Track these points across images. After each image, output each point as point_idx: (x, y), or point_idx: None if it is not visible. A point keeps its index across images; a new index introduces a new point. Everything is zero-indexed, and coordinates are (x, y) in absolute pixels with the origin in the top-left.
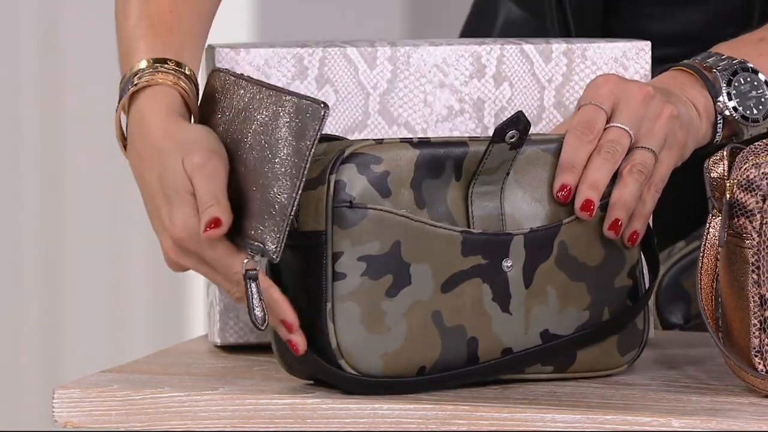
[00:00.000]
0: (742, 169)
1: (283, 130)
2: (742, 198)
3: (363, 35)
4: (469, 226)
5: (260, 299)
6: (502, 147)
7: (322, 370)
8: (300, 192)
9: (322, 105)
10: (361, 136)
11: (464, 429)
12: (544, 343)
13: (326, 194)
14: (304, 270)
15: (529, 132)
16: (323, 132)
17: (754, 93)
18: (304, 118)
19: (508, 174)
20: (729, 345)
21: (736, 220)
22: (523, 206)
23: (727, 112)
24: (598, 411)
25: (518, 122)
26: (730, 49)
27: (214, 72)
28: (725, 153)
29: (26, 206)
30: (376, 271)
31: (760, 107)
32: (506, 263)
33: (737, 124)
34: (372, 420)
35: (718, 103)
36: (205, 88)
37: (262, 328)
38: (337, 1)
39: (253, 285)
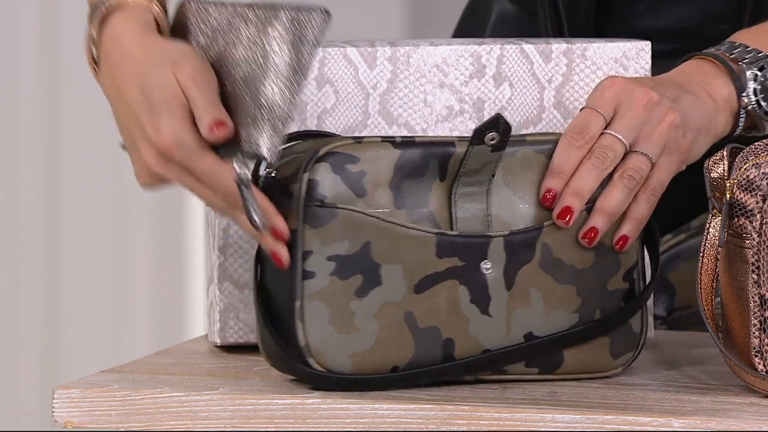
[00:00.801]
0: (742, 169)
1: (277, 41)
2: (742, 198)
3: (363, 35)
4: (451, 228)
5: (256, 202)
6: (482, 149)
7: (291, 366)
8: (297, 96)
9: (322, 11)
10: None
11: (464, 429)
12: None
13: (299, 192)
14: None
15: (526, 132)
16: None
17: None
18: (301, 28)
19: (494, 175)
20: (729, 345)
21: (736, 220)
22: (511, 208)
23: (750, 107)
24: (598, 411)
25: (497, 124)
26: (753, 39)
27: (183, 3)
28: (725, 153)
29: (26, 206)
30: (345, 271)
31: None
32: (485, 265)
33: (759, 119)
34: (372, 420)
35: (743, 97)
36: (174, 18)
37: (264, 231)
38: (337, 1)
39: (246, 189)
